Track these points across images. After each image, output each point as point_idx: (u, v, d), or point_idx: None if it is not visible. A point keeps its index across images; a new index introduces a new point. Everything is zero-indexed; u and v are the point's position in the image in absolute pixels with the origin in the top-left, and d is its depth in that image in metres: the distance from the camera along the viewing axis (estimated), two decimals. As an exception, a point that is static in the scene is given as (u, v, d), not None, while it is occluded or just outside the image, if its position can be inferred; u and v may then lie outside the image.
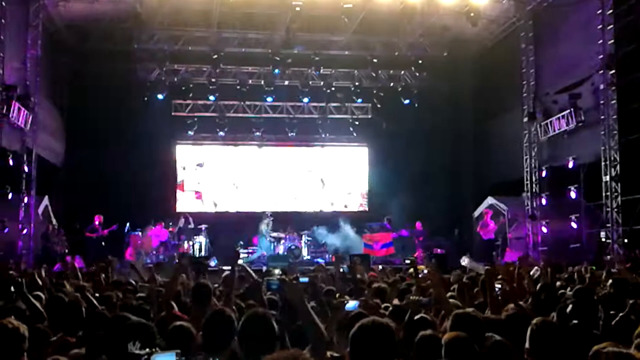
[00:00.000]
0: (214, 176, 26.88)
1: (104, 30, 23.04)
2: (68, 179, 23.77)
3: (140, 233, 22.91)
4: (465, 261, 11.52)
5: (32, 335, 4.55)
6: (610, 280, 8.70)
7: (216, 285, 8.76)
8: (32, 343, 4.55)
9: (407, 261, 21.91)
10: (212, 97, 25.50)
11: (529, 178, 22.65)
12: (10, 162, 18.38)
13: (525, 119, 22.62)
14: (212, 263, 20.49)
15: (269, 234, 24.03)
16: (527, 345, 4.45)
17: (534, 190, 22.44)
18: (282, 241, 23.95)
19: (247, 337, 4.26)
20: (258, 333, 4.24)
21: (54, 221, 21.85)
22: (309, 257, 23.58)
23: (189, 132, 26.12)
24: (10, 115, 17.81)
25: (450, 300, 6.52)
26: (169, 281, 7.64)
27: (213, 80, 24.97)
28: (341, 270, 9.42)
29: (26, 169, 19.78)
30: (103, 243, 21.95)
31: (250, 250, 23.89)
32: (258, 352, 3.82)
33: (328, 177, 27.62)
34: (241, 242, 23.47)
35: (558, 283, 9.44)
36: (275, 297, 6.91)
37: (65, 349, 5.17)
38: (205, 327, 4.80)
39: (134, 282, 10.15)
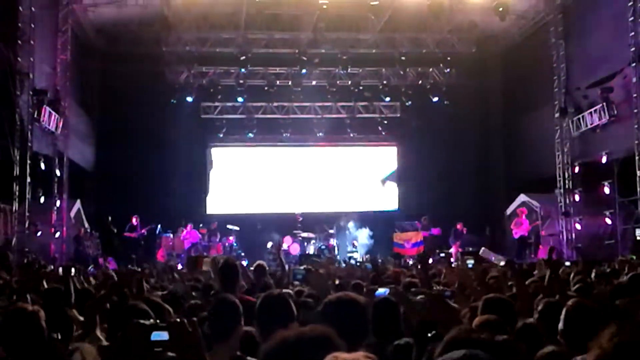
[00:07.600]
0: (243, 177, 26.91)
1: (133, 34, 23.21)
2: (99, 183, 23.95)
3: (171, 235, 23.09)
4: (482, 250, 11.33)
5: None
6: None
7: None
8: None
9: (442, 254, 21.73)
10: (240, 99, 25.58)
11: (561, 174, 22.34)
12: (42, 166, 18.54)
13: (557, 115, 22.32)
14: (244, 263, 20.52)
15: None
16: (560, 326, 4.33)
17: (566, 186, 22.14)
18: (313, 241, 23.90)
19: (263, 316, 4.22)
20: (275, 311, 4.21)
21: (86, 224, 22.06)
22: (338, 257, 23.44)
23: (218, 134, 26.21)
24: (41, 120, 18.03)
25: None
26: None
27: (241, 81, 25.02)
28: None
29: (58, 172, 20.03)
30: (142, 242, 22.27)
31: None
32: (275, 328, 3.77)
33: (357, 177, 27.46)
34: (271, 242, 23.43)
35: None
36: (303, 288, 6.87)
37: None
38: (210, 315, 4.62)
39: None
